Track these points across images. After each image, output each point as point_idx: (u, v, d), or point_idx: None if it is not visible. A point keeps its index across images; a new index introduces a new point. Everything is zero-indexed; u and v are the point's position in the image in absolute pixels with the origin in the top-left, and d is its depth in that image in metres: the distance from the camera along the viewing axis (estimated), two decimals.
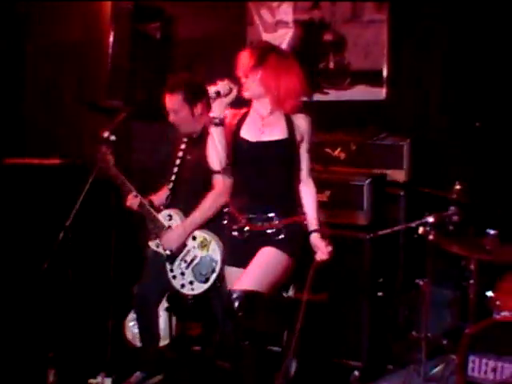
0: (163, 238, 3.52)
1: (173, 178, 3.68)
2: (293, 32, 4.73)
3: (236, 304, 2.77)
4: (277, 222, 2.93)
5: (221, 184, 3.19)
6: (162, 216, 3.59)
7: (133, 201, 3.60)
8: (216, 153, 2.89)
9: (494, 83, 4.45)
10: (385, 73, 4.53)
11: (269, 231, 2.94)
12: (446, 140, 4.37)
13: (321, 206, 3.15)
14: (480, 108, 4.45)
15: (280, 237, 2.93)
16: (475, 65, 4.46)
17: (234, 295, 2.79)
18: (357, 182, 3.89)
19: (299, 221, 2.99)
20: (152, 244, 3.62)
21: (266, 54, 2.89)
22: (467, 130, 4.33)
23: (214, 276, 3.39)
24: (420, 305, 3.64)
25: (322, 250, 2.92)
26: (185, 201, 3.56)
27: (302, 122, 2.96)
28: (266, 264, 2.89)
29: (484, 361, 3.12)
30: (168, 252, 3.51)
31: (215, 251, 3.40)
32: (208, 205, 3.37)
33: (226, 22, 4.77)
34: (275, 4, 4.75)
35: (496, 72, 4.46)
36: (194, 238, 3.48)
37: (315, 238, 2.96)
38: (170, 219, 3.57)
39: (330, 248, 2.92)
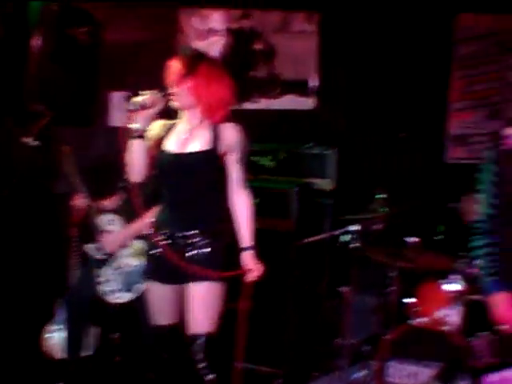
0: (102, 241, 3.48)
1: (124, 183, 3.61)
2: (223, 40, 4.75)
3: (198, 351, 2.72)
4: (200, 238, 2.78)
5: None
6: (105, 219, 3.54)
7: (80, 201, 3.54)
8: (135, 165, 2.79)
9: (417, 95, 4.61)
10: (313, 83, 4.61)
11: (192, 249, 2.78)
12: (371, 150, 4.48)
13: None
14: (404, 118, 4.60)
15: (204, 254, 2.77)
16: (400, 77, 4.60)
17: (198, 342, 2.72)
18: (284, 191, 3.93)
19: (226, 236, 2.86)
20: (89, 247, 3.56)
21: (196, 62, 2.78)
22: (391, 141, 4.46)
23: (140, 287, 3.34)
24: (343, 312, 3.71)
25: (253, 270, 2.80)
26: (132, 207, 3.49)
27: (230, 131, 2.81)
28: (205, 306, 2.75)
29: (403, 366, 3.21)
30: (103, 256, 3.46)
31: None
32: (150, 215, 3.30)
33: (156, 29, 4.73)
34: (206, 12, 4.76)
35: (419, 85, 4.62)
36: (129, 246, 3.45)
37: (247, 257, 2.81)
38: (111, 224, 3.52)
39: (261, 268, 2.81)
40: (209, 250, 2.77)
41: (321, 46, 4.61)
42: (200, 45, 4.68)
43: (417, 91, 4.65)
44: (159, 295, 2.87)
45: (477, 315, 2.69)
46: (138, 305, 3.37)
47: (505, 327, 2.06)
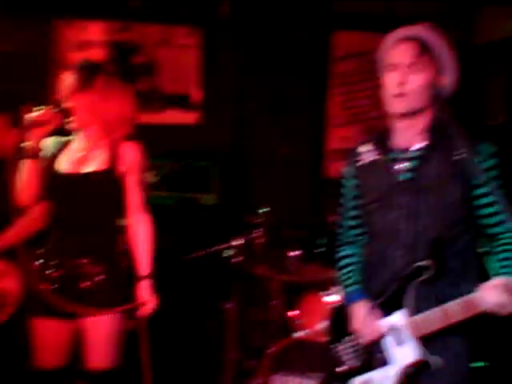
0: None
1: None
2: (102, 53, 4.62)
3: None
4: (95, 266, 2.54)
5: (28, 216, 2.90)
6: None
7: None
8: (26, 187, 2.56)
9: (297, 110, 4.72)
10: (196, 97, 4.59)
11: (85, 280, 2.53)
12: (254, 164, 4.53)
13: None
14: (285, 133, 4.69)
15: (99, 285, 2.53)
16: (281, 92, 4.69)
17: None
18: (167, 206, 3.87)
19: (125, 265, 2.63)
20: None
21: (92, 75, 2.54)
22: (274, 155, 4.52)
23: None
24: (227, 327, 3.69)
25: (147, 304, 2.59)
26: None
27: (130, 151, 2.58)
28: (101, 340, 2.55)
29: (287, 379, 3.22)
30: None
31: (11, 283, 3.16)
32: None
33: (31, 39, 4.52)
34: (84, 23, 4.61)
35: (299, 100, 4.73)
36: None
37: (143, 287, 2.58)
38: None
39: (155, 301, 2.61)
40: (105, 279, 2.54)
41: (202, 59, 4.60)
42: (77, 57, 4.52)
43: (297, 106, 4.76)
44: (45, 332, 2.58)
45: None
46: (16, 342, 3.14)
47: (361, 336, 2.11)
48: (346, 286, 2.21)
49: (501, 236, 2.02)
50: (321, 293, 3.41)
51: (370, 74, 4.89)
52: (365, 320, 2.07)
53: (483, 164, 1.95)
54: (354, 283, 2.19)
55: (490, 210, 2.00)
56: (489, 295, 1.84)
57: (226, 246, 3.59)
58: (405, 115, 2.01)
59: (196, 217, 4.05)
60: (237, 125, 4.61)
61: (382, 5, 4.62)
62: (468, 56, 4.81)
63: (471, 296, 1.89)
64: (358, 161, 2.16)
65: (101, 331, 2.56)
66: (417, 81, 1.96)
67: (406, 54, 1.97)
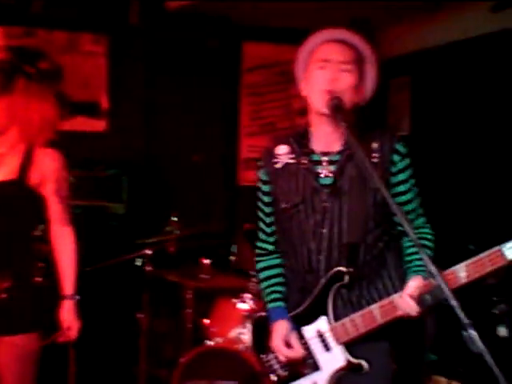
0: None
1: None
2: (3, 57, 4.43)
3: None
4: (5, 284, 2.33)
5: None
6: None
7: None
8: None
9: (210, 119, 4.72)
10: (105, 105, 4.49)
11: None
12: (165, 172, 4.48)
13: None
14: (199, 142, 4.68)
15: (11, 304, 2.33)
16: (192, 102, 4.68)
17: None
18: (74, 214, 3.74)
19: (33, 282, 2.39)
20: None
21: (12, 76, 2.38)
22: (186, 164, 4.49)
23: None
24: (139, 337, 3.61)
25: (70, 328, 2.41)
26: None
27: (46, 158, 2.39)
28: (14, 365, 2.36)
29: None
30: None
31: None
32: None
33: None
34: None
35: (212, 110, 4.74)
36: None
37: (66, 308, 2.40)
38: None
39: (79, 325, 2.44)
40: (11, 296, 2.33)
41: (110, 66, 4.51)
42: None
43: (209, 115, 4.77)
44: None
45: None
46: None
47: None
48: (269, 302, 2.12)
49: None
50: (234, 300, 3.39)
51: (278, 85, 4.98)
52: (281, 342, 2.02)
53: (400, 163, 1.97)
54: (276, 299, 2.11)
55: (404, 208, 1.99)
56: (404, 303, 1.82)
57: (136, 255, 3.52)
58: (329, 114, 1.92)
59: (105, 226, 3.94)
60: (146, 133, 4.55)
61: (291, 17, 4.71)
62: None
63: (389, 300, 1.89)
64: (273, 163, 2.05)
65: (9, 353, 2.36)
66: (348, 80, 1.91)
67: (339, 53, 1.92)
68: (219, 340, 3.33)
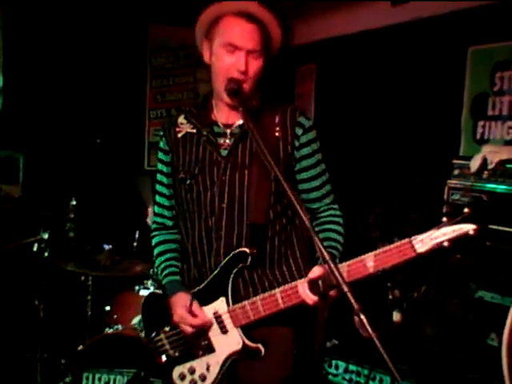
0: None
1: None
2: None
3: None
4: None
5: None
6: None
7: None
8: None
9: (116, 102, 4.59)
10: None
11: None
12: (63, 154, 4.31)
13: None
14: (102, 125, 4.54)
15: None
16: (105, 83, 4.54)
17: None
18: None
19: None
20: None
21: None
22: (86, 146, 4.35)
23: None
24: (37, 326, 3.47)
25: None
26: None
27: None
28: None
29: (97, 376, 3.11)
30: None
31: None
32: None
33: None
34: None
35: (118, 92, 4.61)
36: None
37: None
38: None
39: None
40: None
41: (4, 42, 4.27)
42: None
43: (116, 98, 4.64)
44: None
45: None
46: None
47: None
48: (164, 277, 2.04)
49: (319, 212, 2.01)
50: (136, 287, 3.32)
51: (184, 68, 4.92)
52: (185, 315, 1.94)
53: (303, 137, 1.94)
54: (172, 273, 2.04)
55: (310, 184, 1.97)
56: (302, 289, 1.78)
57: (31, 239, 3.37)
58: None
59: None
60: (43, 113, 4.34)
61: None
62: (278, 57, 5.04)
63: (292, 285, 1.83)
64: (175, 132, 2.00)
65: None
66: (256, 67, 1.88)
67: (248, 40, 1.85)
68: (120, 327, 3.27)
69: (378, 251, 1.67)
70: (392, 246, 1.65)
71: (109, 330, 3.25)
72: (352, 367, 3.14)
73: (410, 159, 3.89)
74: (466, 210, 1.57)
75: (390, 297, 3.07)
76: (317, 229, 1.96)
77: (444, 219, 1.59)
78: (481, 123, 3.50)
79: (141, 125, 4.93)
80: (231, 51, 1.86)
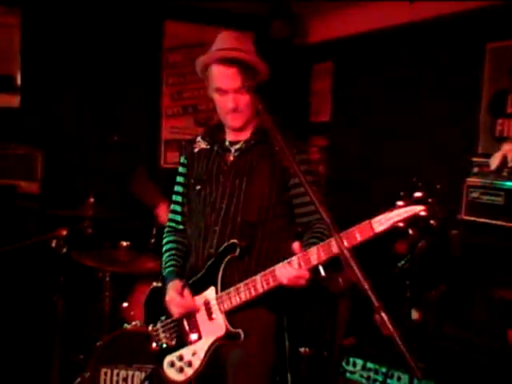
0: None
1: None
2: None
3: None
4: None
5: None
6: None
7: None
8: None
9: (128, 101, 4.61)
10: (18, 80, 4.29)
11: None
12: (82, 152, 4.35)
13: None
14: (118, 122, 4.56)
15: None
16: (112, 80, 4.56)
17: None
18: None
19: None
20: None
21: None
22: (104, 143, 4.38)
23: None
24: (58, 321, 3.49)
25: None
26: None
27: None
28: None
29: (115, 371, 3.13)
30: None
31: None
32: None
33: None
34: None
35: (131, 91, 4.63)
36: None
37: None
38: None
39: None
40: None
41: (24, 39, 4.31)
42: None
43: (132, 95, 4.67)
44: None
45: None
46: None
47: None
48: (165, 269, 2.30)
49: (309, 226, 2.19)
50: (154, 283, 3.33)
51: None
52: (175, 296, 2.14)
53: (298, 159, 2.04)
54: (172, 266, 2.29)
55: (305, 209, 2.19)
56: (285, 271, 1.97)
57: (50, 236, 3.39)
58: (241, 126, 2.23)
59: (16, 206, 3.77)
60: (61, 110, 4.38)
61: None
62: (294, 55, 5.05)
63: (271, 269, 2.02)
64: (193, 148, 2.35)
65: None
66: (245, 101, 2.16)
67: (233, 80, 2.12)
68: (138, 323, 3.29)
69: (343, 232, 1.81)
70: (354, 227, 1.84)
71: (127, 326, 3.27)
72: (370, 365, 3.14)
73: (429, 157, 3.88)
74: (417, 193, 1.75)
75: (409, 295, 3.07)
76: (307, 236, 2.16)
77: (399, 203, 1.78)
78: (499, 121, 3.48)
79: (157, 122, 4.94)
80: (221, 94, 2.17)
